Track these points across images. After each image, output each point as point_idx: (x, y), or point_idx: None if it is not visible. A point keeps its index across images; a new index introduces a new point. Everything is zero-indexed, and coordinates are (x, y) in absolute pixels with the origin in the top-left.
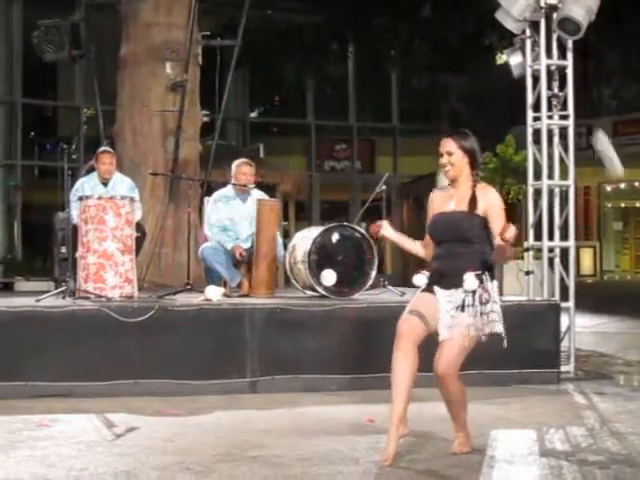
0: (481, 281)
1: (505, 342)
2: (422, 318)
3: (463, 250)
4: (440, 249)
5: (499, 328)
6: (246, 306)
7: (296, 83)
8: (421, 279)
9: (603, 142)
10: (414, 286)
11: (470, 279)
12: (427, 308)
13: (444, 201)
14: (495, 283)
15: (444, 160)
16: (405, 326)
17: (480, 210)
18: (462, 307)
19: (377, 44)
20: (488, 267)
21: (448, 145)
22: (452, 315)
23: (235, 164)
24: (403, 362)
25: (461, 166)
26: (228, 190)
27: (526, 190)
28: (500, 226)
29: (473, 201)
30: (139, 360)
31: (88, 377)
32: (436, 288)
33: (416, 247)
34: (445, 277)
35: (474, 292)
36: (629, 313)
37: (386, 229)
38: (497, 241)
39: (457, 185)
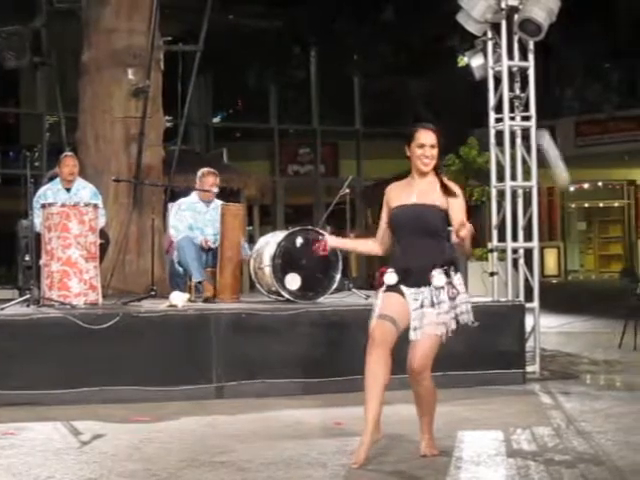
0: (448, 276)
1: (476, 323)
2: (393, 322)
3: (427, 245)
4: (403, 244)
5: (469, 318)
6: (211, 311)
7: (259, 88)
8: (392, 277)
9: (549, 146)
10: (379, 287)
11: (438, 276)
12: (396, 309)
13: (403, 193)
14: (459, 275)
15: (427, 152)
16: (377, 332)
17: (444, 203)
18: (432, 304)
19: (339, 48)
20: (452, 260)
21: (433, 138)
22: (422, 313)
23: (200, 173)
24: (376, 367)
25: (437, 159)
26: (192, 197)
27: (489, 192)
28: (459, 221)
29: (445, 192)
30: (105, 367)
31: (54, 385)
32: (402, 287)
33: (370, 247)
34: (411, 275)
35: (442, 288)
36: (594, 312)
37: (332, 240)
38: (453, 238)
39: (422, 178)
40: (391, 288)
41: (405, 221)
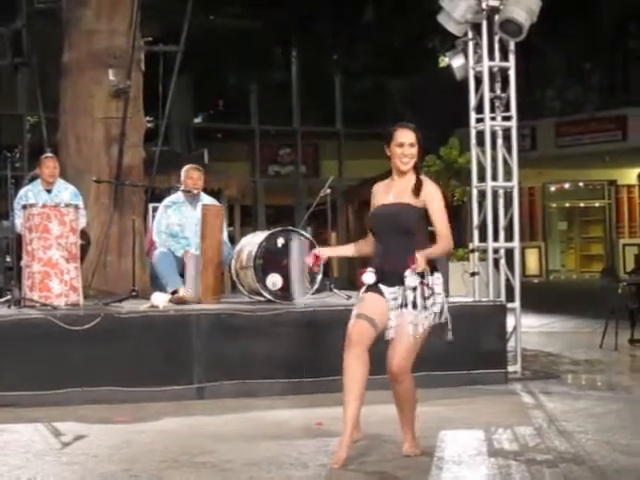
0: (422, 277)
1: (450, 334)
2: (371, 322)
3: (403, 244)
4: (380, 244)
5: (443, 318)
6: (192, 312)
7: (239, 88)
8: (370, 277)
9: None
10: (361, 287)
11: (410, 277)
12: (375, 309)
13: (384, 193)
14: (437, 275)
15: (407, 151)
16: (355, 332)
17: (419, 202)
18: (405, 304)
19: (320, 48)
20: (428, 260)
21: (411, 136)
22: (398, 313)
23: (184, 170)
24: (355, 366)
25: (416, 158)
26: (178, 196)
27: (470, 192)
28: (440, 218)
29: (416, 191)
30: (86, 368)
31: (35, 386)
32: (381, 286)
33: (361, 249)
34: (387, 274)
35: (415, 289)
36: (575, 312)
37: (324, 252)
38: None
39: (402, 177)
40: (371, 288)
41: (380, 221)
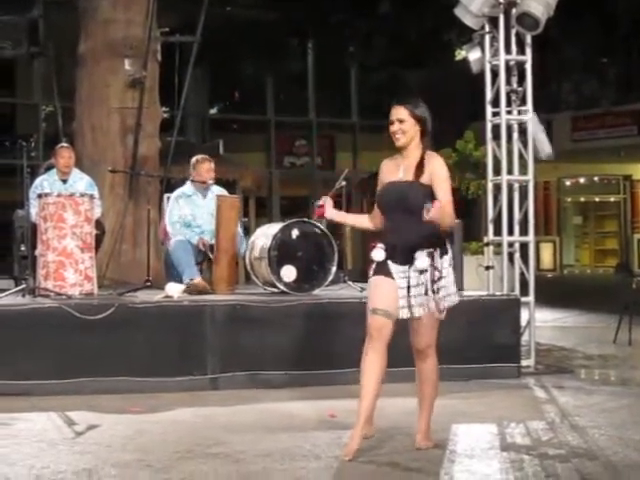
0: (432, 258)
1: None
2: (387, 315)
3: (412, 223)
4: (389, 221)
5: (452, 301)
6: (207, 303)
7: (255, 79)
8: (380, 254)
9: (534, 123)
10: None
11: (421, 258)
12: (387, 299)
13: (393, 170)
14: (447, 257)
15: (395, 127)
16: (373, 328)
17: (426, 179)
18: (416, 285)
19: (336, 40)
20: (439, 241)
21: (400, 112)
22: (409, 294)
23: (194, 160)
24: (373, 363)
25: (412, 134)
26: (188, 187)
27: (486, 185)
28: (443, 194)
29: (419, 169)
30: (100, 358)
31: (48, 375)
32: (390, 263)
33: (362, 221)
34: (398, 253)
35: (425, 271)
36: (589, 307)
37: (329, 210)
38: (424, 217)
39: (407, 154)
40: (380, 268)
41: (388, 197)
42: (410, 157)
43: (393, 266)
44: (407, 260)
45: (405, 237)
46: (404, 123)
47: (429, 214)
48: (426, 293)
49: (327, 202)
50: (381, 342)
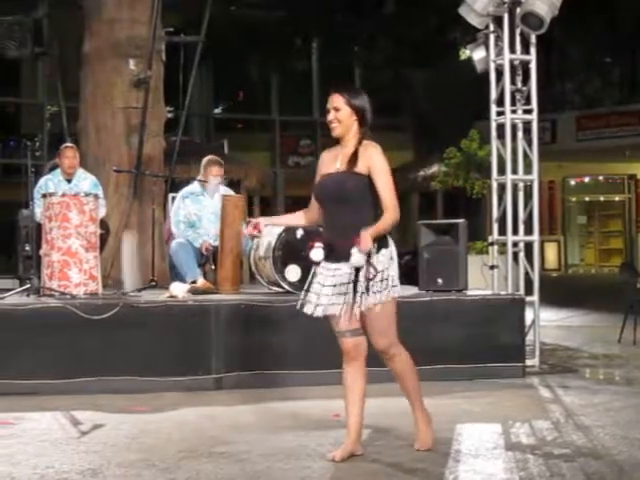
0: (369, 256)
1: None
2: (358, 333)
3: (349, 217)
4: (326, 214)
5: (391, 295)
6: (211, 302)
7: (260, 79)
8: (318, 253)
9: None
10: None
11: (356, 255)
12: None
13: (331, 161)
14: (386, 251)
15: (330, 116)
16: (348, 348)
17: (362, 169)
18: (349, 283)
19: (340, 39)
20: (377, 235)
21: (336, 101)
22: (339, 292)
23: (205, 162)
24: (356, 381)
25: (348, 124)
26: (195, 186)
27: (490, 185)
28: (383, 185)
29: (353, 159)
30: (104, 357)
31: (53, 375)
32: (323, 264)
33: (296, 219)
34: (334, 250)
35: (361, 268)
36: (594, 306)
37: (263, 220)
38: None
39: (344, 144)
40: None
41: (325, 189)
42: (347, 147)
43: (325, 265)
44: (343, 256)
45: (341, 231)
46: (340, 112)
47: (361, 247)
48: (361, 290)
49: (259, 221)
50: (360, 359)
